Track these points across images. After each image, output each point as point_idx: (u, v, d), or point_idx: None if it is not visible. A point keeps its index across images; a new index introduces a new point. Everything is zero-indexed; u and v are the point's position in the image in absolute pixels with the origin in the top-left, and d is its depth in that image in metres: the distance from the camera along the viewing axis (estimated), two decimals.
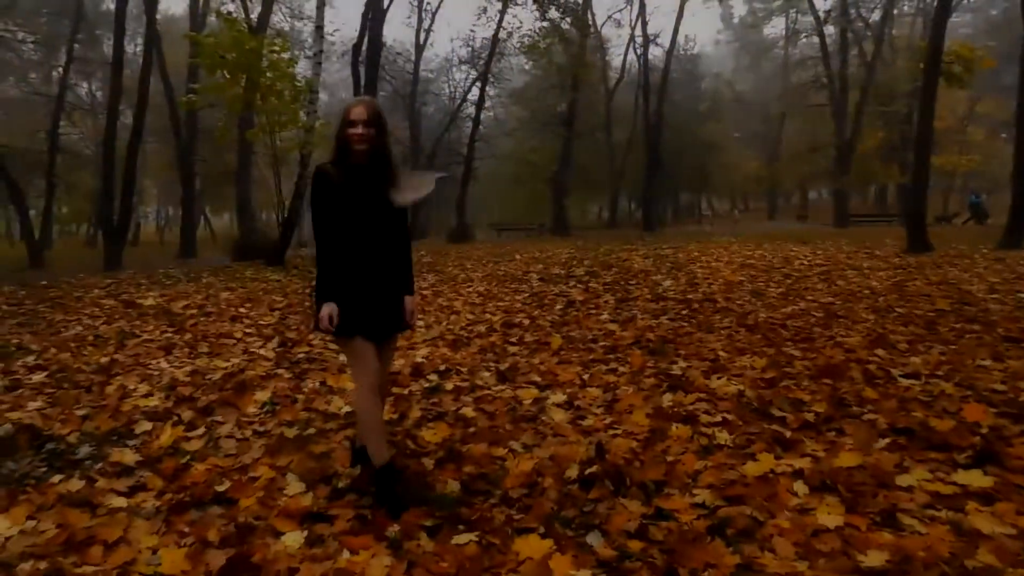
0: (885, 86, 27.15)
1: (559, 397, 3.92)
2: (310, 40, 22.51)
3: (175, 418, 3.60)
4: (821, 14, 29.14)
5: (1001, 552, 2.04)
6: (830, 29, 29.20)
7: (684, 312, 6.91)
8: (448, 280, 10.36)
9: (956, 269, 10.32)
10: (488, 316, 7.01)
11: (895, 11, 28.15)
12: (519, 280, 10.28)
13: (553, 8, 20.77)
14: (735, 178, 40.69)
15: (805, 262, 12.20)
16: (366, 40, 18.06)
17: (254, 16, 20.60)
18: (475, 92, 28.90)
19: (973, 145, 31.11)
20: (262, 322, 6.42)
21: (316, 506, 2.55)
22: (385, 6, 19.42)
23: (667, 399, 3.75)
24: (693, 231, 28.33)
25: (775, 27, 38.84)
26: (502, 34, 25.73)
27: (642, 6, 30.43)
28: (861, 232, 22.49)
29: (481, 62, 27.38)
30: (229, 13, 12.71)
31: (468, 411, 3.71)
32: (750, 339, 5.40)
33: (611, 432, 3.27)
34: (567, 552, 2.12)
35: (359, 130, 2.46)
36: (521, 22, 26.86)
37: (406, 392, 4.11)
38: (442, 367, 4.74)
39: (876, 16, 27.82)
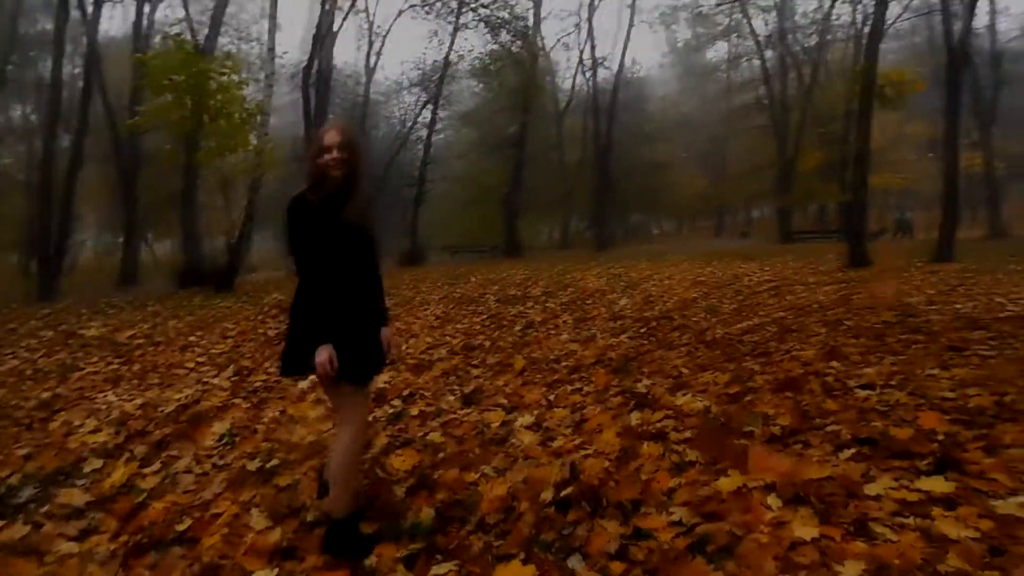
0: (823, 108, 28.32)
1: (527, 419, 3.90)
2: (258, 63, 22.24)
3: (127, 454, 3.44)
4: (761, 39, 30.28)
5: (969, 556, 2.10)
6: (770, 53, 30.35)
7: (643, 330, 6.98)
8: (404, 303, 10.27)
9: (895, 282, 10.74)
10: (448, 339, 6.95)
11: (829, 37, 29.44)
12: (476, 302, 10.25)
13: (504, 32, 21.06)
14: (683, 197, 41.61)
15: (754, 279, 12.53)
16: (316, 63, 17.96)
17: (200, 37, 20.22)
18: (426, 115, 28.97)
19: (903, 165, 32.58)
20: (215, 350, 6.22)
21: (285, 541, 2.46)
22: (336, 29, 19.36)
23: (635, 417, 3.76)
24: (644, 250, 28.84)
25: (717, 51, 40.27)
26: (453, 57, 25.90)
27: (590, 30, 31.11)
28: (804, 248, 23.26)
29: (432, 85, 27.47)
30: (178, 34, 12.40)
31: (436, 436, 3.65)
32: (710, 355, 5.48)
33: (582, 452, 3.25)
34: None
35: (334, 155, 2.37)
36: (472, 46, 27.05)
37: (370, 419, 4.02)
38: (405, 392, 4.67)
39: (812, 42, 29.06)
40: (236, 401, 4.41)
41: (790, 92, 29.53)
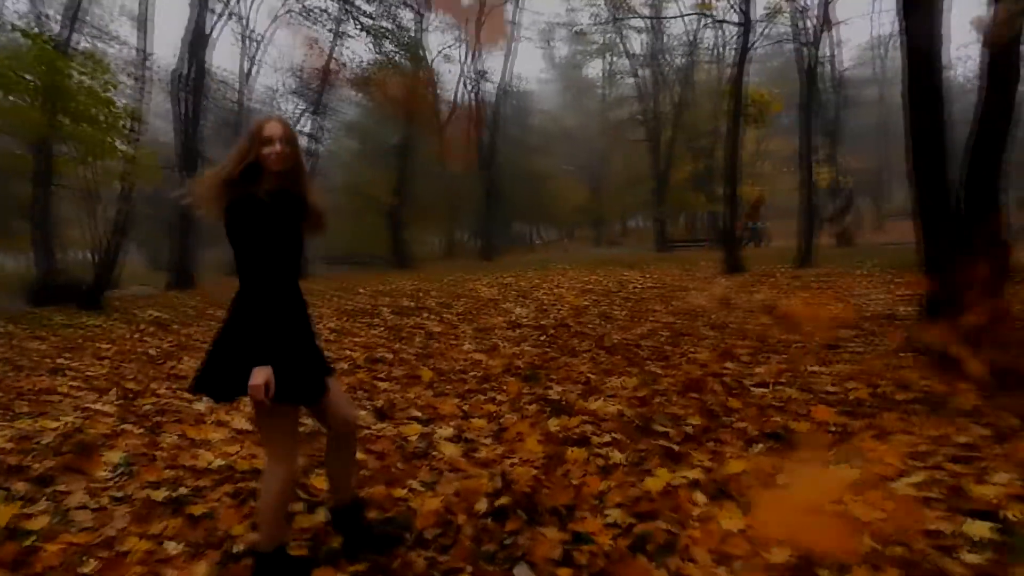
0: (692, 124, 30.21)
1: (446, 431, 3.86)
2: (118, 63, 20.57)
3: (4, 493, 3.05)
4: (638, 57, 31.86)
5: (880, 535, 2.31)
6: (645, 72, 31.98)
7: (543, 338, 7.11)
8: None
9: (766, 287, 11.62)
10: (348, 352, 6.75)
11: (696, 59, 31.45)
12: (370, 314, 10.03)
13: (388, 42, 20.77)
14: (564, 208, 42.80)
15: (639, 285, 13.13)
16: (188, 67, 16.97)
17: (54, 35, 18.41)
18: (306, 124, 27.96)
19: (763, 178, 35.32)
20: (90, 373, 5.67)
21: (213, 575, 2.28)
22: (210, 33, 18.36)
23: (553, 424, 3.82)
24: (529, 259, 29.40)
25: (595, 68, 41.94)
26: (334, 66, 25.25)
27: (477, 42, 31.43)
28: (679, 256, 24.65)
29: (312, 93, 26.61)
30: (35, 29, 11.14)
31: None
32: (612, 360, 5.67)
33: (509, 461, 3.26)
34: None
35: (278, 148, 2.13)
36: (355, 54, 26.43)
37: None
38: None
39: (681, 62, 30.97)
40: (126, 427, 4.03)
41: (663, 109, 31.20)
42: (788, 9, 17.62)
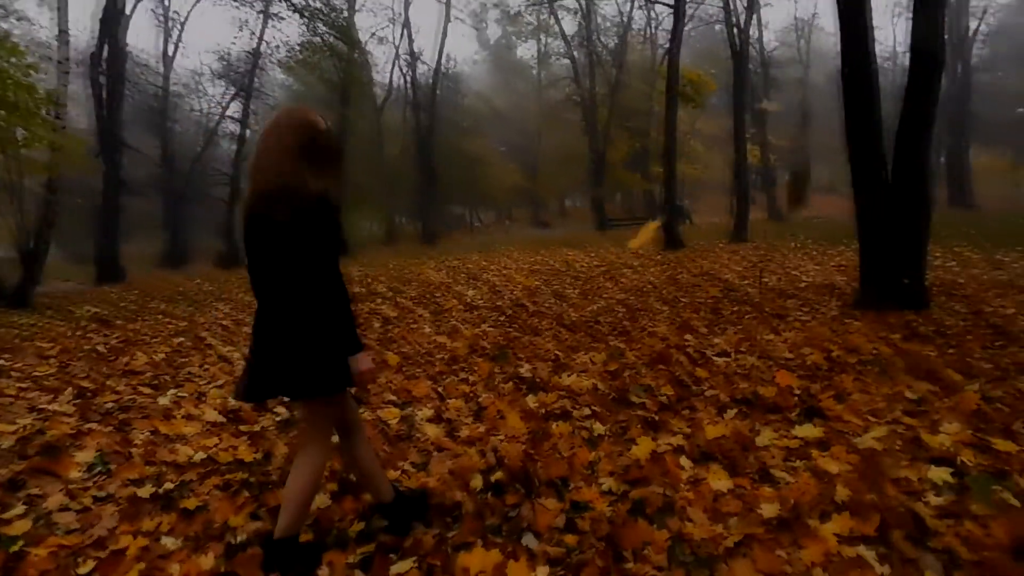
0: (627, 105, 30.69)
1: (425, 412, 3.90)
2: (25, 44, 19.33)
3: None
4: (571, 39, 32.03)
5: (852, 484, 2.50)
6: (579, 52, 32.23)
7: (501, 319, 7.19)
8: (243, 307, 9.60)
9: (707, 261, 12.02)
10: None
11: (628, 40, 31.88)
12: None
13: (320, 23, 20.17)
14: (500, 189, 42.85)
15: (584, 264, 13.36)
16: (102, 48, 16.08)
17: None
18: (235, 109, 26.96)
19: (696, 156, 36.28)
20: (37, 373, 5.40)
21: (221, 567, 2.28)
22: (127, 12, 17.43)
23: (531, 401, 3.92)
24: (470, 242, 29.42)
25: (528, 49, 41.93)
26: (264, 48, 24.40)
27: (407, 23, 30.94)
28: (618, 234, 25.11)
29: (240, 77, 25.62)
30: None
31: (336, 438, 3.53)
32: (575, 337, 5.81)
33: (496, 438, 3.34)
34: (520, 557, 2.17)
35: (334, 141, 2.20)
36: (287, 36, 25.61)
37: (258, 429, 3.79)
38: (285, 398, 4.42)
39: (614, 43, 31.36)
40: (92, 426, 3.90)
41: (598, 90, 31.56)
42: None
